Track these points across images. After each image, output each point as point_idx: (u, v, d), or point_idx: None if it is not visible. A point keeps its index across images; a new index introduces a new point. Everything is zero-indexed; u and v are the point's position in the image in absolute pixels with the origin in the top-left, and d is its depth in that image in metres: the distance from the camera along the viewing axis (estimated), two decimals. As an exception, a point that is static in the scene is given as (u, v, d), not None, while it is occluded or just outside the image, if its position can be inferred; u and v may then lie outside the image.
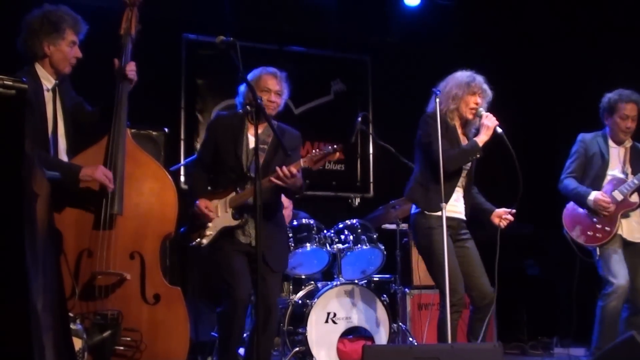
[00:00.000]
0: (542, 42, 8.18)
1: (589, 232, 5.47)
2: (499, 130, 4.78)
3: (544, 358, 6.92)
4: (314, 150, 4.44)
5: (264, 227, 4.50)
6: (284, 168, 4.35)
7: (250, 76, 4.70)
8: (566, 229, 5.60)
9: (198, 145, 7.65)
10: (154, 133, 6.03)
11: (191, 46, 7.81)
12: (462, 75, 4.95)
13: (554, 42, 8.09)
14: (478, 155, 4.80)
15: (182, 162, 7.10)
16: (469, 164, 4.92)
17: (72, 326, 3.63)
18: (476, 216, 5.07)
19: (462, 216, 4.96)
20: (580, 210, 5.55)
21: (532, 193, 5.25)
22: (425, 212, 4.83)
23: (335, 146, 4.34)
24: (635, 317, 5.34)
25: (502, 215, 4.93)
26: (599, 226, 5.44)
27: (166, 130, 6.05)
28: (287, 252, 5.04)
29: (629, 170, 5.57)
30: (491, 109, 4.90)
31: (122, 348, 4.06)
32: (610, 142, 5.63)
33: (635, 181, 5.41)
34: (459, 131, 4.96)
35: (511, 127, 5.01)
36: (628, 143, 5.63)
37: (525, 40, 8.26)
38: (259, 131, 4.60)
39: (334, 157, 4.40)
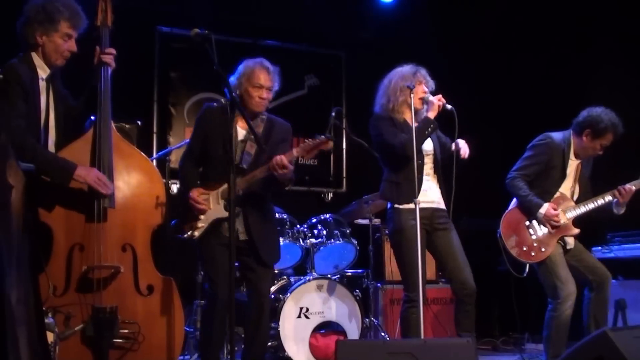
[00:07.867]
0: (515, 37, 8.22)
1: (524, 247, 5.20)
2: (449, 106, 4.74)
3: (515, 354, 6.95)
4: (306, 140, 4.26)
5: (255, 219, 4.50)
6: (277, 157, 4.23)
7: (241, 68, 4.63)
8: (501, 233, 5.28)
9: (171, 139, 7.64)
10: (127, 126, 5.96)
11: (165, 39, 7.78)
12: (405, 68, 4.96)
13: (526, 37, 8.13)
14: (430, 129, 4.71)
15: (154, 155, 7.05)
16: (431, 148, 4.88)
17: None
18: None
19: (437, 205, 4.90)
20: (521, 218, 5.28)
21: (503, 189, 5.25)
22: (397, 206, 4.81)
23: (326, 135, 4.20)
24: (600, 294, 5.13)
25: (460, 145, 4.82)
26: (535, 244, 5.19)
27: (139, 123, 6.01)
28: (278, 245, 4.88)
29: (576, 190, 5.34)
30: (466, 102, 4.89)
31: (120, 340, 4.07)
32: (572, 154, 5.30)
33: (583, 209, 5.21)
34: (412, 125, 4.83)
35: (480, 122, 5.02)
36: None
37: (499, 35, 8.28)
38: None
39: (327, 146, 4.21)
